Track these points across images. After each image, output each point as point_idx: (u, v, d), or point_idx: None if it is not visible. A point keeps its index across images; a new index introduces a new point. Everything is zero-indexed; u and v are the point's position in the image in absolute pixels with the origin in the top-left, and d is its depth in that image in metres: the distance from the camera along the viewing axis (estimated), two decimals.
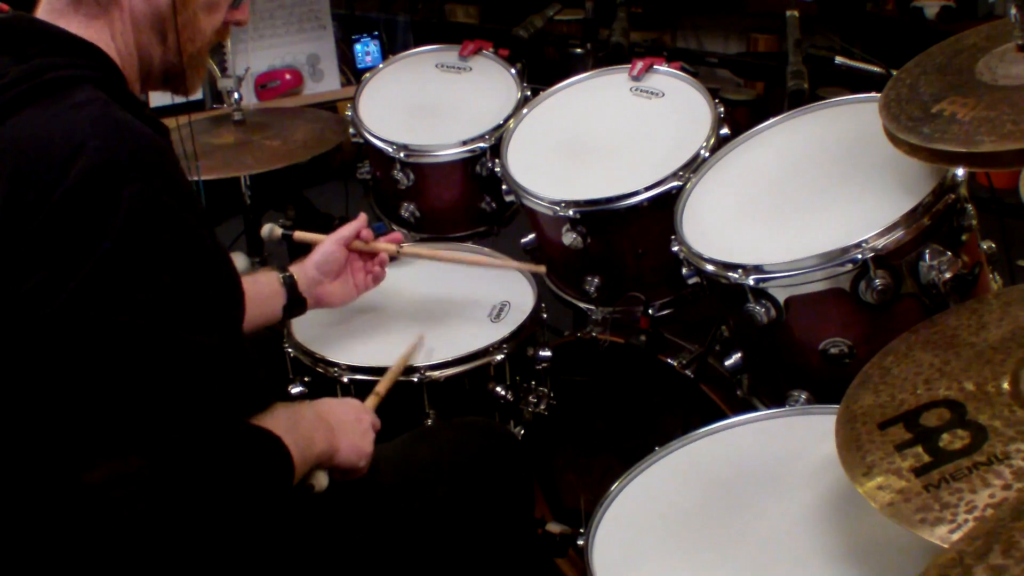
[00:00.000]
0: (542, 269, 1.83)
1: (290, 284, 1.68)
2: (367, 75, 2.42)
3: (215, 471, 1.05)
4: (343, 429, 1.31)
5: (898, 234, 1.36)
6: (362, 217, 1.79)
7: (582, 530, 1.27)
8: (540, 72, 2.48)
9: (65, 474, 1.01)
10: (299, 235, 1.86)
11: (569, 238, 1.80)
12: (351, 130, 2.26)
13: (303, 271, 1.71)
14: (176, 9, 1.19)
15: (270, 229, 1.89)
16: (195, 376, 1.05)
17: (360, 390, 1.70)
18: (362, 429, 1.35)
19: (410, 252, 1.85)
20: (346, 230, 1.75)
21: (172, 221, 1.05)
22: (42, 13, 1.16)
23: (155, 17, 1.20)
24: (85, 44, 1.14)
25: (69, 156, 1.01)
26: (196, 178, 1.63)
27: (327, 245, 1.74)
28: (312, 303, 1.72)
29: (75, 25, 1.15)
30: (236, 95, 2.52)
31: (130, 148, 1.04)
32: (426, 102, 2.29)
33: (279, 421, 1.17)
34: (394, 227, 2.27)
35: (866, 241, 1.36)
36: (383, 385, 1.59)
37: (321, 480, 1.27)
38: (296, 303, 1.69)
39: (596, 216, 1.78)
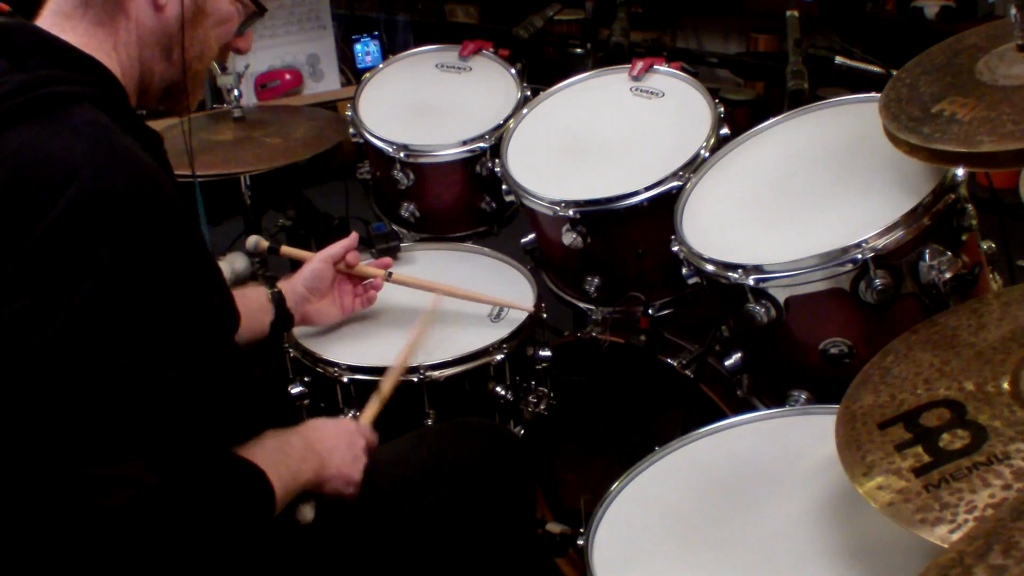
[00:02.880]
0: (530, 308, 1.82)
1: (278, 300, 1.67)
2: (367, 75, 2.42)
3: (196, 506, 1.04)
4: (333, 457, 1.30)
5: (898, 234, 1.36)
6: (352, 237, 1.78)
7: (582, 530, 1.27)
8: (540, 72, 2.48)
9: (47, 502, 1.00)
10: (285, 250, 1.87)
11: (569, 238, 1.80)
12: (351, 130, 2.26)
13: (291, 287, 1.71)
14: (184, 26, 1.18)
15: (256, 241, 1.88)
16: (177, 413, 1.04)
17: (360, 390, 1.70)
18: (353, 455, 1.34)
19: (400, 280, 1.84)
20: (334, 249, 1.75)
21: (162, 255, 1.04)
22: (47, 14, 1.15)
23: (162, 32, 1.19)
24: (86, 57, 1.12)
25: (61, 181, 1.00)
26: (191, 178, 1.63)
27: (315, 263, 1.73)
28: (299, 320, 1.73)
29: (80, 31, 1.14)
30: (236, 92, 2.52)
31: (125, 179, 1.03)
32: (426, 102, 2.29)
33: (267, 453, 1.17)
34: (394, 227, 2.27)
35: (866, 241, 1.36)
36: (387, 385, 1.58)
37: (307, 514, 1.27)
38: (283, 319, 1.69)
39: (596, 216, 1.78)
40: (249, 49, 1.32)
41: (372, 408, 1.53)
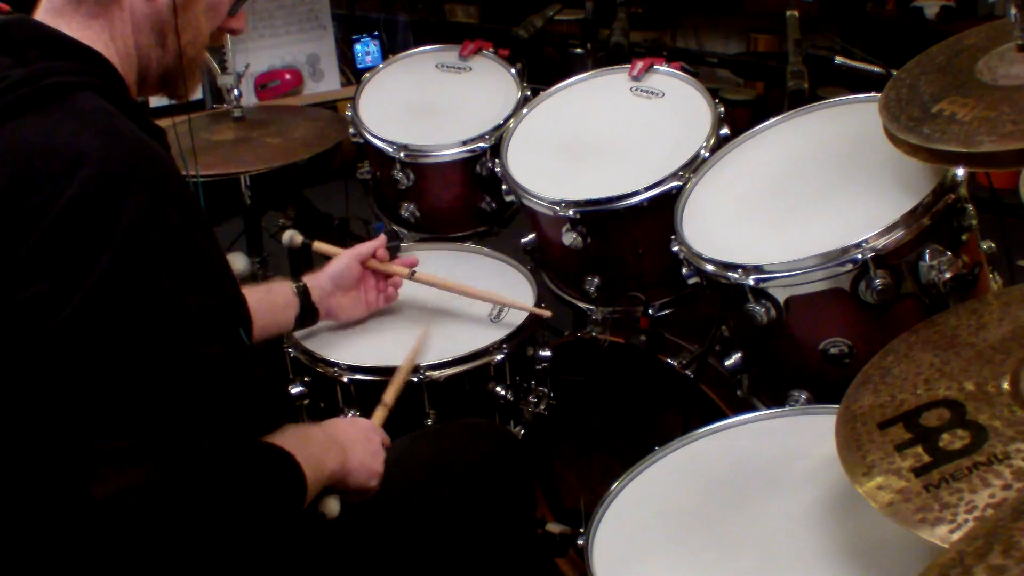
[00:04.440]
0: (548, 313, 1.82)
1: (303, 294, 1.71)
2: (367, 75, 2.42)
3: (226, 485, 1.03)
4: (354, 448, 1.31)
5: (898, 234, 1.36)
6: (381, 238, 1.83)
7: (582, 530, 1.27)
8: (540, 72, 2.48)
9: (71, 486, 1.00)
10: (318, 246, 1.93)
11: (569, 238, 1.80)
12: (351, 130, 2.26)
13: (317, 282, 1.74)
14: (176, 11, 1.19)
15: (291, 236, 1.97)
16: (202, 387, 1.03)
17: (360, 390, 1.70)
18: (372, 449, 1.34)
19: (423, 279, 1.85)
20: (365, 247, 1.80)
21: (174, 232, 1.04)
22: (42, 12, 1.16)
23: (155, 18, 1.19)
24: (85, 48, 1.13)
25: (71, 166, 1.00)
26: (194, 178, 1.63)
27: (345, 259, 1.77)
28: (323, 314, 1.76)
29: (75, 25, 1.14)
30: (236, 92, 2.52)
31: (132, 159, 1.04)
32: (426, 102, 2.29)
33: (289, 440, 1.16)
34: (394, 227, 2.27)
35: (866, 241, 1.36)
36: (391, 394, 1.58)
37: (333, 507, 1.26)
38: (308, 313, 1.72)
39: (596, 216, 1.78)
40: (243, 30, 1.32)
41: (378, 416, 1.53)
